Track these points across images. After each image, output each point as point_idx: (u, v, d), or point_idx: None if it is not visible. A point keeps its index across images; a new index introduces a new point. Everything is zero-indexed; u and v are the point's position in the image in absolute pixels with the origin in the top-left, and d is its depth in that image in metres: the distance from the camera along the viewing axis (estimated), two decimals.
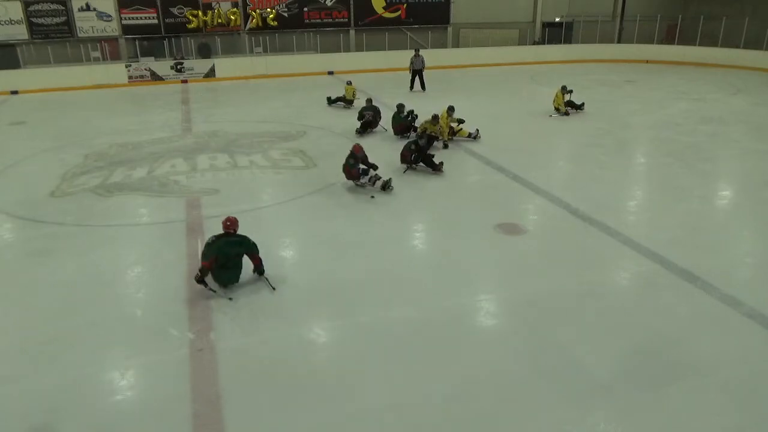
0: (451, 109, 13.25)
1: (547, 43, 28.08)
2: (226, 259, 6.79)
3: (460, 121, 13.34)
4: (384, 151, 12.72)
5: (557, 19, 28.43)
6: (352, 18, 26.03)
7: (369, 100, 14.59)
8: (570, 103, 16.35)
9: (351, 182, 10.41)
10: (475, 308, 6.69)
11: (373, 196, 9.97)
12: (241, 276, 6.99)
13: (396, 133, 13.71)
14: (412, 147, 11.15)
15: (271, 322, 6.29)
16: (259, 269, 7.10)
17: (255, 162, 12.05)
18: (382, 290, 6.94)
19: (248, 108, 18.11)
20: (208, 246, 6.79)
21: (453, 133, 13.27)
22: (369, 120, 14.11)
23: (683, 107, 17.45)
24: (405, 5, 26.40)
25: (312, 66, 24.48)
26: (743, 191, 10.67)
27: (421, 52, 20.48)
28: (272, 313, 6.45)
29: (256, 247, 7.02)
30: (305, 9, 25.47)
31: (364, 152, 10.29)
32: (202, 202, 9.81)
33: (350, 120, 15.22)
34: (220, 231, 6.92)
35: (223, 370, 5.49)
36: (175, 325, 6.19)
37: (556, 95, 16.31)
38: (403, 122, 13.61)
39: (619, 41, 28.70)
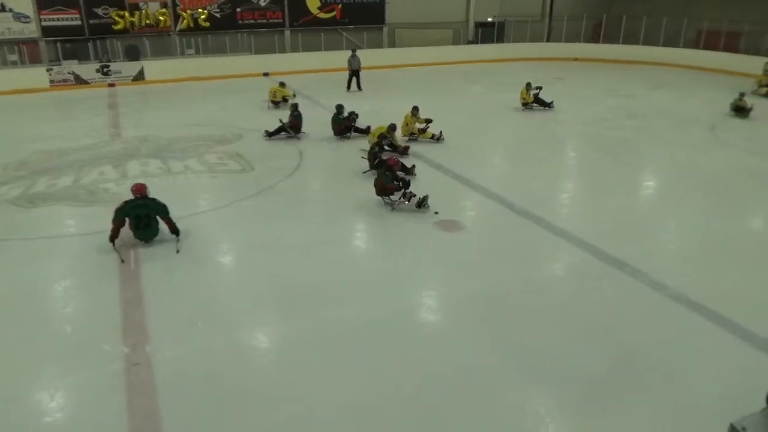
0: (415, 110, 13.27)
1: (481, 43, 28.70)
2: (138, 220, 7.72)
3: (428, 121, 13.18)
4: (325, 152, 12.67)
5: (489, 19, 29.10)
6: (286, 18, 25.73)
7: (294, 106, 14.26)
8: (539, 100, 16.82)
9: (303, 191, 10.29)
10: (419, 306, 6.74)
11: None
12: (172, 281, 6.83)
13: (336, 134, 13.65)
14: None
15: (211, 330, 6.12)
16: (173, 230, 7.91)
17: (190, 167, 11.70)
18: (325, 293, 6.88)
19: (181, 111, 17.57)
20: (118, 211, 7.69)
21: (420, 131, 13.30)
22: (281, 125, 13.77)
23: (611, 103, 18.24)
24: (340, 6, 26.33)
25: (247, 67, 24.02)
26: (666, 182, 11.26)
27: (358, 52, 20.47)
28: (212, 320, 6.28)
29: (165, 208, 7.86)
30: (238, 9, 24.96)
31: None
32: None
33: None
34: None
35: (161, 382, 5.29)
36: (108, 340, 5.92)
37: (522, 92, 16.84)
38: (342, 123, 13.53)
39: (548, 40, 29.72)
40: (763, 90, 18.78)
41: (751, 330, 6.00)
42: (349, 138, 13.60)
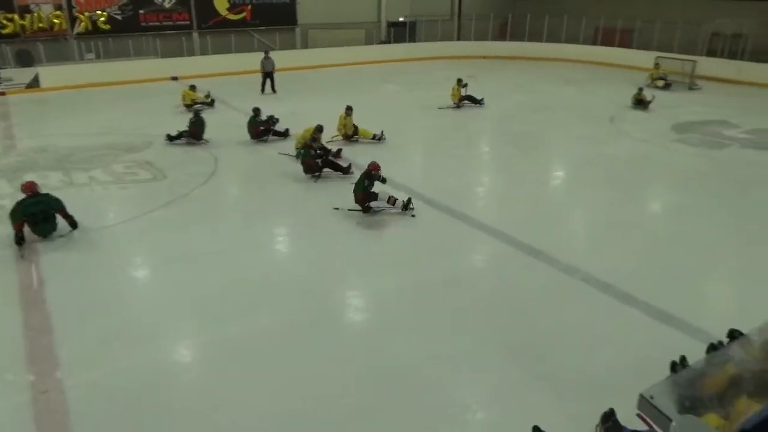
0: (349, 110, 13.14)
1: (393, 42, 29.06)
2: (34, 217, 7.79)
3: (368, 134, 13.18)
4: (241, 157, 12.37)
5: (401, 19, 29.51)
6: (194, 20, 24.86)
7: (195, 113, 13.80)
8: (469, 97, 17.13)
9: (232, 194, 9.95)
10: (343, 306, 6.74)
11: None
12: (83, 300, 6.45)
13: (253, 137, 13.39)
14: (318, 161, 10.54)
15: (126, 349, 5.81)
16: (72, 224, 8.15)
17: (95, 178, 11.06)
18: (245, 299, 6.72)
19: (83, 120, 16.54)
20: (13, 212, 7.72)
21: (355, 133, 13.18)
22: (181, 132, 13.40)
23: (519, 99, 19.01)
24: (250, 6, 25.77)
25: (154, 71, 22.97)
26: (572, 172, 11.89)
27: (271, 53, 20.13)
28: (126, 339, 5.96)
29: (59, 202, 8.03)
30: (141, 11, 23.83)
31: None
32: None
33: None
34: None
35: (74, 409, 4.96)
36: (11, 369, 5.49)
37: (453, 89, 17.00)
38: (259, 125, 13.32)
39: (458, 39, 30.56)
40: (660, 83, 20.25)
41: (653, 305, 6.47)
42: (266, 141, 13.36)
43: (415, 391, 5.18)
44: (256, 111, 13.50)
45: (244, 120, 13.57)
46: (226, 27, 25.36)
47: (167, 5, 24.26)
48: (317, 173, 10.74)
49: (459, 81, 17.16)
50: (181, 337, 6.11)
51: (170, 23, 24.53)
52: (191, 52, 25.03)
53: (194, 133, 13.23)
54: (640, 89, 17.30)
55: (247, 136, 13.44)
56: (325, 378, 5.36)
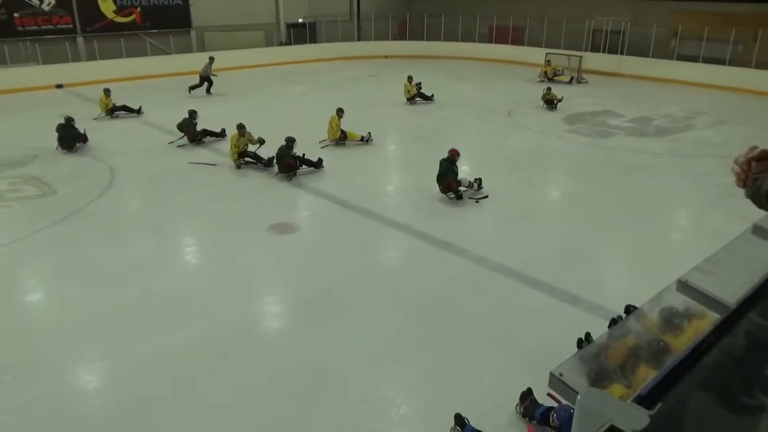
0: (340, 111, 13.11)
1: (294, 44, 28.75)
2: None
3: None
4: (140, 166, 11.72)
5: (300, 20, 29.26)
6: (77, 24, 23.24)
7: (68, 119, 12.96)
8: (421, 95, 17.59)
9: (137, 202, 9.35)
10: (261, 313, 6.59)
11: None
12: None
13: (190, 139, 13.05)
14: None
15: (28, 380, 5.35)
16: None
17: None
18: (156, 314, 6.40)
19: None
20: None
21: (344, 137, 13.08)
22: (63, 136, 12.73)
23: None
24: (139, 9, 24.47)
25: (35, 79, 21.23)
26: (477, 164, 12.32)
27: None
28: (27, 370, 5.48)
29: None
30: (16, 15, 21.96)
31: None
32: None
33: (95, 137, 13.60)
34: None
35: None
36: None
37: (405, 86, 17.49)
38: (194, 128, 13.11)
39: (359, 39, 30.76)
40: (565, 78, 21.54)
41: (557, 287, 6.85)
42: (204, 142, 13.17)
43: (339, 389, 5.17)
44: (192, 114, 13.22)
45: (140, 127, 12.92)
46: (113, 30, 23.92)
47: (46, 8, 22.53)
48: (293, 172, 10.91)
49: (409, 78, 17.70)
50: (87, 361, 5.70)
51: (50, 27, 22.78)
52: (77, 58, 23.38)
53: (60, 139, 12.56)
54: (549, 89, 17.32)
55: (144, 144, 12.78)
56: (247, 386, 5.21)
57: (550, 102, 16.91)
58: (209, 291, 6.96)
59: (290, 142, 11.13)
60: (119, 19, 24.26)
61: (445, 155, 9.75)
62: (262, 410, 4.95)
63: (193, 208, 9.61)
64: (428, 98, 17.89)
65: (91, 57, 23.52)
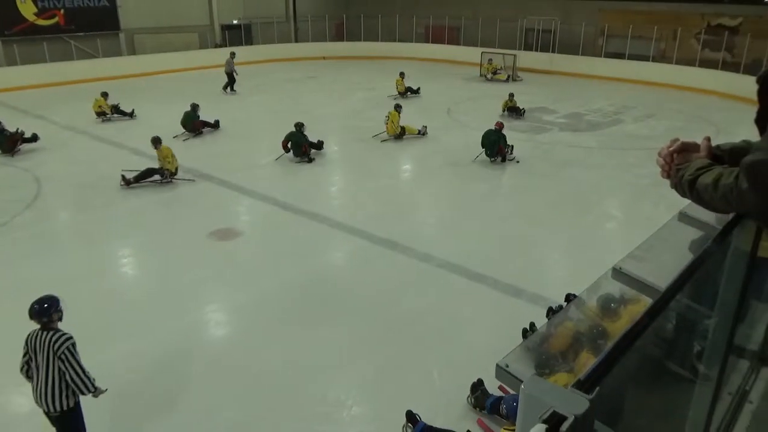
0: (399, 107, 13.81)
1: (229, 45, 28.15)
2: None
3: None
4: (69, 175, 11.17)
5: (235, 22, 28.68)
6: None
7: None
8: (409, 88, 18.97)
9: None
10: (206, 321, 6.42)
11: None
12: None
13: (191, 131, 13.84)
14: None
15: None
16: None
17: None
18: (91, 331, 6.10)
19: None
20: None
21: (403, 132, 13.63)
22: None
23: (361, 96, 19.46)
24: (62, 11, 23.31)
25: None
26: (417, 162, 12.47)
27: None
28: None
29: None
30: None
31: None
32: None
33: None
34: None
35: None
36: None
37: (397, 81, 18.85)
38: (196, 120, 13.95)
39: (296, 40, 30.46)
40: (503, 77, 22.07)
41: (500, 280, 7.02)
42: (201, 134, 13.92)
43: (288, 395, 5.10)
44: (194, 107, 13.97)
45: (67, 136, 12.33)
46: (35, 34, 22.68)
47: None
48: (308, 157, 11.99)
49: (402, 74, 19.10)
50: (19, 384, 5.37)
51: None
52: None
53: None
54: (511, 95, 16.25)
55: (73, 152, 12.20)
56: (191, 398, 5.07)
57: (515, 110, 15.97)
58: (147, 302, 6.72)
59: (301, 127, 12.06)
60: (41, 22, 23.02)
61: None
62: (208, 422, 4.82)
63: (125, 216, 9.25)
64: (415, 91, 19.31)
65: (10, 62, 22.20)
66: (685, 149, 1.55)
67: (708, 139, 1.58)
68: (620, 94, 19.85)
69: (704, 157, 1.51)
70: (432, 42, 28.52)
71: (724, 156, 1.52)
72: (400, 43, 28.80)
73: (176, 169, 10.59)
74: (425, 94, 19.82)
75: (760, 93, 1.31)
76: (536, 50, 25.32)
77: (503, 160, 11.82)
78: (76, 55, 23.04)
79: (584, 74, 23.17)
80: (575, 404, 0.80)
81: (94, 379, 4.22)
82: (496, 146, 11.70)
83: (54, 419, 4.14)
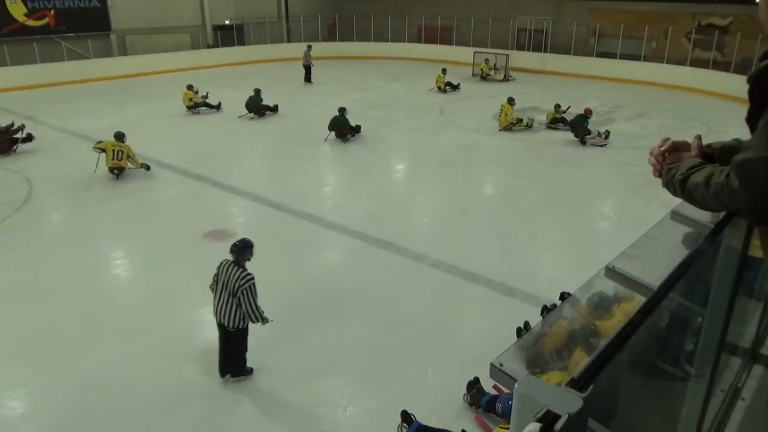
0: (512, 100, 14.41)
1: (222, 46, 28.07)
2: None
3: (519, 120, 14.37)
4: (61, 177, 11.10)
5: (227, 22, 28.59)
6: None
7: None
8: (449, 83, 19.75)
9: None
10: (200, 322, 6.39)
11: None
12: None
13: (254, 112, 15.62)
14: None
15: None
16: None
17: None
18: (87, 332, 6.08)
19: None
20: None
21: (513, 124, 14.25)
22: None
23: (354, 96, 19.41)
24: (52, 11, 23.15)
25: None
26: (411, 162, 12.49)
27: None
28: None
29: None
30: None
31: None
32: None
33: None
34: None
35: None
36: None
37: (438, 76, 19.80)
38: (260, 104, 15.74)
39: (288, 41, 30.39)
40: (499, 76, 22.09)
41: (493, 279, 7.03)
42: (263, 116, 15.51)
43: (283, 395, 5.09)
44: (257, 91, 15.82)
45: (60, 137, 12.26)
46: (25, 34, 22.52)
47: None
48: (348, 137, 13.29)
49: (444, 70, 20.06)
50: (8, 386, 5.34)
51: None
52: None
53: None
54: (557, 106, 14.92)
55: (65, 155, 12.14)
56: (197, 396, 5.05)
57: (562, 121, 14.58)
58: (140, 304, 6.70)
59: (343, 111, 13.29)
60: (31, 23, 22.87)
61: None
62: (206, 422, 4.81)
63: (117, 218, 9.21)
64: (455, 87, 20.00)
65: (1, 63, 22.05)
66: (677, 148, 1.56)
67: (699, 138, 1.59)
68: (612, 93, 19.94)
69: (695, 156, 1.52)
70: (424, 42, 28.53)
71: (715, 155, 1.53)
72: (392, 43, 28.79)
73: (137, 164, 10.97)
74: (418, 93, 19.85)
75: (750, 92, 1.32)
76: (528, 50, 25.39)
77: (582, 143, 12.98)
78: (66, 56, 22.88)
79: (576, 74, 23.27)
80: (569, 402, 0.81)
81: (263, 312, 5.10)
82: (579, 129, 13.00)
83: (230, 334, 5.12)
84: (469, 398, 4.91)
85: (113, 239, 8.60)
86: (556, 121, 14.69)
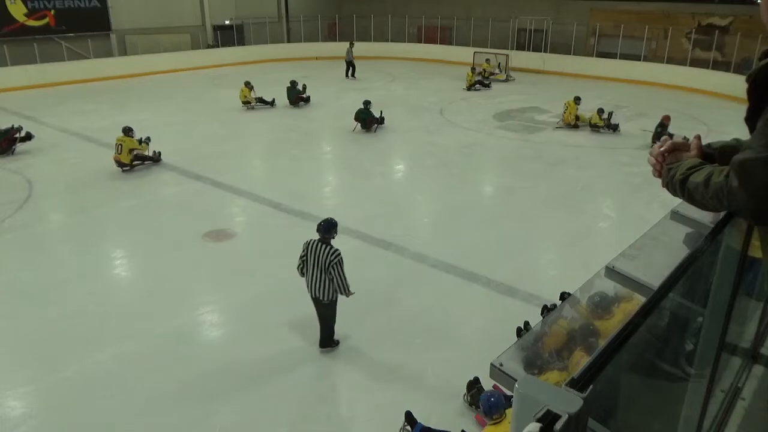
0: (577, 99, 14.60)
1: (222, 46, 28.06)
2: None
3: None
4: (61, 177, 11.09)
5: (227, 22, 28.59)
6: None
7: None
8: (480, 82, 20.26)
9: None
10: (198, 323, 6.40)
11: None
12: None
13: (292, 103, 16.86)
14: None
15: None
16: None
17: None
18: (88, 332, 6.08)
19: None
20: None
21: (578, 120, 14.51)
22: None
23: (354, 96, 19.38)
24: (53, 12, 23.15)
25: None
26: (411, 162, 12.49)
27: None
28: None
29: None
30: None
31: None
32: None
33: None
34: None
35: None
36: None
37: (468, 74, 20.41)
38: (298, 94, 16.93)
39: (288, 41, 30.39)
40: (501, 76, 22.17)
41: (493, 279, 7.03)
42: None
43: (283, 397, 5.09)
44: (294, 83, 16.87)
45: (60, 137, 12.26)
46: (25, 34, 22.53)
47: None
48: (374, 127, 14.30)
49: (473, 69, 20.99)
50: (10, 387, 5.34)
51: None
52: None
53: None
54: (600, 110, 14.51)
55: (65, 154, 12.15)
56: (187, 400, 5.05)
57: (609, 125, 14.48)
58: (141, 304, 6.69)
59: (368, 104, 14.34)
60: (31, 23, 22.89)
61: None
62: (206, 422, 4.81)
63: (116, 219, 9.20)
64: (487, 85, 20.51)
65: (1, 63, 22.06)
66: (676, 148, 1.56)
67: (699, 138, 1.59)
68: (612, 93, 19.93)
69: (695, 156, 1.52)
70: (424, 42, 28.53)
71: (715, 154, 1.53)
72: (392, 43, 28.78)
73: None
74: (418, 93, 19.85)
75: (749, 92, 1.32)
76: (528, 50, 25.38)
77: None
78: (66, 56, 22.89)
79: (576, 74, 23.26)
80: (569, 403, 0.81)
81: (349, 286, 5.55)
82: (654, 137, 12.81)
83: (323, 305, 5.59)
84: (469, 398, 4.91)
85: (113, 239, 8.60)
86: (597, 127, 14.47)
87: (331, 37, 30.52)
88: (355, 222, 8.79)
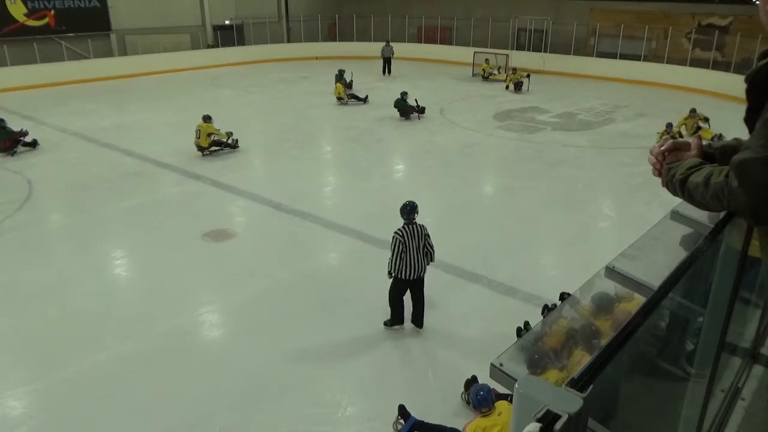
0: (692, 111, 13.90)
1: (222, 46, 28.05)
2: None
3: (706, 119, 13.86)
4: (61, 176, 11.09)
5: (227, 22, 28.58)
6: None
7: None
8: (518, 83, 19.85)
9: None
10: (198, 323, 6.40)
11: None
12: None
13: (402, 115, 15.77)
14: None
15: None
16: None
17: None
18: (88, 332, 6.08)
19: None
20: None
21: (698, 128, 13.62)
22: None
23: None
24: (53, 12, 23.14)
25: None
26: (411, 162, 12.49)
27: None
28: None
29: None
30: None
31: None
32: None
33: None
34: None
35: None
36: None
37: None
38: (409, 106, 15.85)
39: (289, 41, 30.39)
40: (502, 77, 22.13)
41: (495, 279, 7.03)
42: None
43: (282, 397, 5.09)
44: (404, 94, 15.89)
45: (60, 137, 12.26)
46: (25, 34, 22.51)
47: None
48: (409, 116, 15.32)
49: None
50: (10, 387, 5.34)
51: None
52: None
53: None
54: (694, 112, 13.91)
55: (65, 153, 12.15)
56: (186, 400, 5.05)
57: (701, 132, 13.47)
58: (141, 304, 6.69)
59: (405, 95, 15.40)
60: (31, 23, 22.87)
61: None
62: (206, 422, 4.81)
63: (118, 218, 9.20)
64: (517, 85, 19.97)
65: (1, 63, 22.05)
66: (676, 148, 1.56)
67: (699, 138, 1.60)
68: (612, 93, 19.93)
69: (695, 156, 1.52)
70: (424, 42, 28.53)
71: (715, 154, 1.53)
72: (392, 43, 28.78)
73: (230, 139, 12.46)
74: (418, 93, 19.82)
75: (748, 92, 1.32)
76: (528, 50, 25.38)
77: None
78: (66, 56, 22.88)
79: (576, 74, 23.26)
80: (569, 402, 0.81)
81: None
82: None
83: (419, 281, 5.94)
84: (467, 397, 4.91)
85: (113, 239, 8.60)
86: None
87: (331, 37, 30.53)
88: (355, 222, 8.79)
